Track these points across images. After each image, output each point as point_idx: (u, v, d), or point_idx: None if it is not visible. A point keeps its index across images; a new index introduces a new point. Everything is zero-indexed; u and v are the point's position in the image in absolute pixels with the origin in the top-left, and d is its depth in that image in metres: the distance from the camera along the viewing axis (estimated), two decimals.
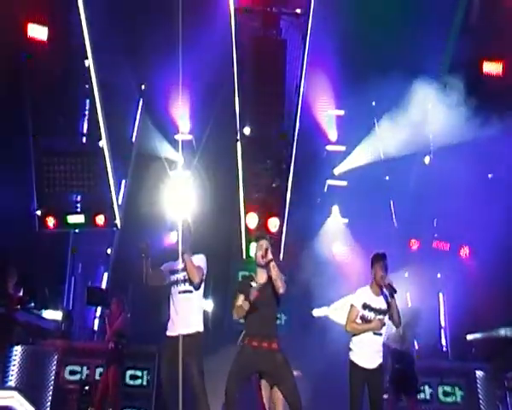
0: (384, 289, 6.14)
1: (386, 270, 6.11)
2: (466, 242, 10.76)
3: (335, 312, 10.49)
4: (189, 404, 5.91)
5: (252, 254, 10.10)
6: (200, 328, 6.11)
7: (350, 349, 6.23)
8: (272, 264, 5.73)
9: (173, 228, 10.87)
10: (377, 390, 6.15)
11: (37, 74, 10.10)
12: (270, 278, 5.80)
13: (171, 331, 6.05)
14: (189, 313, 6.07)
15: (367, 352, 6.15)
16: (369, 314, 6.15)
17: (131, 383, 9.25)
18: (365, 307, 6.15)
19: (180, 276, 6.16)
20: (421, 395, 9.33)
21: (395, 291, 6.07)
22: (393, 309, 6.12)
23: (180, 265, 6.17)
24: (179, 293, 6.10)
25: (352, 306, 6.23)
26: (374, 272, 6.13)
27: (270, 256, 5.75)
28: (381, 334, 6.20)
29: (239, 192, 10.29)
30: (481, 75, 10.35)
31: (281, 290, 5.71)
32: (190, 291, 6.11)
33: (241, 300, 5.80)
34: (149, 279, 6.17)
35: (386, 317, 6.20)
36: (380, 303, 6.15)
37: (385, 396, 8.43)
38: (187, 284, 6.11)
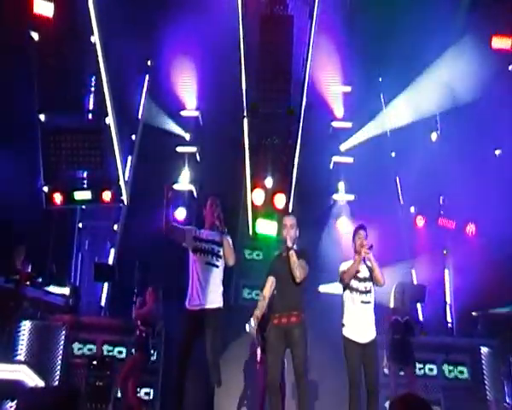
0: (363, 255, 6.29)
1: (365, 238, 6.34)
2: (472, 219, 10.72)
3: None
4: (201, 379, 6.01)
5: (258, 230, 10.16)
6: (221, 304, 6.20)
7: (342, 325, 6.35)
8: (291, 252, 5.91)
9: (180, 204, 11.15)
10: (371, 364, 6.25)
11: (43, 51, 10.07)
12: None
13: (195, 305, 6.09)
14: (213, 285, 6.14)
15: (359, 325, 6.28)
16: (355, 283, 6.32)
17: None
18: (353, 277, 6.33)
19: (208, 246, 6.21)
20: (426, 372, 9.44)
21: (371, 246, 6.25)
22: (375, 269, 6.27)
23: (210, 235, 6.24)
24: (206, 264, 6.17)
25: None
26: (355, 243, 6.36)
27: (289, 244, 5.98)
28: (369, 302, 6.35)
29: (245, 168, 10.30)
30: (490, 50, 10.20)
31: (297, 280, 5.98)
32: (217, 266, 6.20)
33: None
34: (170, 230, 6.24)
35: (370, 283, 6.36)
36: (363, 272, 6.36)
37: (386, 371, 8.62)
38: (215, 257, 6.19)
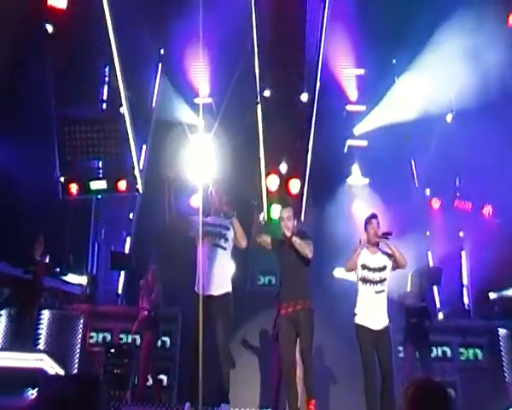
0: (380, 243, 6.38)
1: (378, 227, 6.41)
2: (489, 200, 10.62)
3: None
4: (213, 363, 6.08)
5: (273, 216, 10.16)
6: (230, 288, 6.26)
7: (355, 314, 6.38)
8: (294, 239, 6.02)
9: (195, 192, 11.19)
10: (385, 349, 6.30)
11: (57, 43, 10.10)
12: (293, 246, 6.03)
13: (204, 290, 6.14)
14: (221, 268, 6.20)
15: (372, 314, 6.31)
16: (369, 274, 6.35)
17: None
18: (364, 267, 6.36)
19: (215, 230, 6.28)
20: (443, 354, 9.43)
21: (391, 233, 6.31)
22: (395, 253, 6.30)
23: (217, 220, 6.30)
24: (213, 245, 6.22)
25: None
26: (367, 233, 6.39)
27: (288, 233, 6.13)
28: (383, 291, 6.37)
29: (259, 154, 10.29)
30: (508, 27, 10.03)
31: (309, 256, 6.22)
32: (225, 248, 6.25)
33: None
34: (173, 217, 6.31)
35: (387, 272, 6.38)
36: (377, 262, 6.38)
37: (401, 354, 8.65)
38: (222, 239, 6.26)
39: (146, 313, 8.58)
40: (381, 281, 6.35)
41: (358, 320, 6.34)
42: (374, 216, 6.51)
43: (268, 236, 6.55)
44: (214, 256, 6.26)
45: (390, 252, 6.35)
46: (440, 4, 10.26)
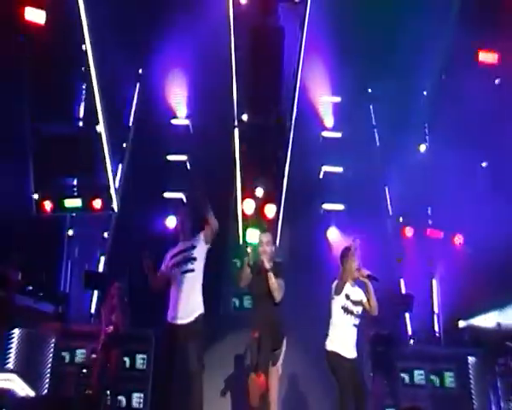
0: (361, 279, 6.42)
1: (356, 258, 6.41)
2: (460, 230, 10.85)
3: None
4: (185, 390, 6.05)
5: (248, 240, 10.21)
6: (202, 309, 6.24)
7: (330, 340, 6.40)
8: (270, 274, 6.07)
9: (171, 212, 11.18)
10: (359, 376, 6.39)
11: (34, 58, 10.05)
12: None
13: (175, 319, 6.14)
14: (192, 293, 6.19)
15: (347, 343, 6.36)
16: (350, 305, 6.40)
17: (128, 366, 9.28)
18: (347, 297, 6.41)
19: (181, 257, 6.29)
20: (414, 380, 9.52)
21: (377, 280, 6.31)
22: (371, 299, 6.40)
23: (182, 246, 6.31)
24: (181, 273, 6.22)
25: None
26: (348, 267, 6.30)
27: (267, 266, 6.22)
28: (358, 325, 6.48)
29: (236, 178, 10.36)
30: (477, 64, 10.35)
31: (276, 300, 6.27)
32: (193, 269, 6.23)
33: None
34: (155, 285, 6.41)
35: (361, 307, 6.47)
36: (357, 295, 6.46)
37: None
38: (189, 263, 6.26)
39: (111, 329, 8.45)
40: (359, 315, 6.44)
41: (332, 347, 6.37)
42: (350, 249, 6.43)
43: (248, 274, 6.45)
44: (184, 284, 6.26)
45: (366, 295, 6.42)
46: (415, 38, 10.50)
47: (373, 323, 8.51)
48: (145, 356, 9.25)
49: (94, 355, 8.78)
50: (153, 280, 6.40)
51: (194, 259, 6.30)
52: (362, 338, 8.31)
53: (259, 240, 6.48)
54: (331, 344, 6.38)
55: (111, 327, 8.48)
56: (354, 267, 6.36)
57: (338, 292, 6.34)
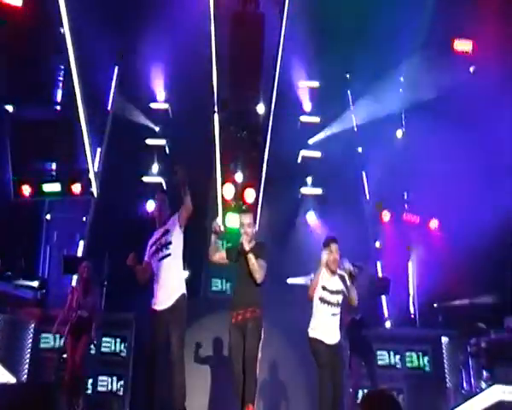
0: (340, 272, 6.53)
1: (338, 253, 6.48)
2: (435, 215, 11.07)
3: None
4: (167, 372, 6.13)
5: (228, 224, 10.31)
6: (183, 290, 6.27)
7: (311, 328, 6.52)
8: (249, 256, 6.04)
9: (150, 197, 11.20)
10: (337, 363, 6.46)
11: (11, 41, 9.92)
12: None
13: (156, 305, 6.21)
14: (171, 276, 6.22)
15: (326, 331, 6.48)
16: (327, 295, 6.49)
17: (108, 351, 9.31)
18: (324, 288, 6.50)
19: (157, 244, 6.32)
20: (390, 361, 9.75)
21: (362, 268, 6.43)
22: (352, 292, 6.52)
23: (158, 234, 6.35)
24: (159, 260, 6.25)
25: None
26: (323, 257, 6.41)
27: (246, 247, 6.11)
28: (338, 314, 6.56)
29: (216, 163, 10.43)
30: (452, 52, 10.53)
31: (258, 281, 6.16)
32: (169, 254, 6.25)
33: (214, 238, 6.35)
34: (140, 278, 6.40)
35: (341, 296, 6.56)
36: (335, 285, 6.54)
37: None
38: (164, 248, 6.26)
39: (83, 314, 8.03)
40: (338, 304, 6.53)
41: (314, 335, 6.48)
42: (333, 240, 6.54)
43: (221, 251, 6.49)
44: (161, 269, 6.24)
45: (347, 283, 6.53)
46: (393, 24, 10.59)
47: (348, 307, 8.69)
48: (125, 341, 9.28)
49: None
50: (138, 273, 6.41)
51: (170, 243, 6.27)
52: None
53: (240, 222, 6.35)
54: (312, 332, 6.51)
55: (79, 312, 8.05)
56: (330, 260, 6.45)
57: (313, 286, 6.48)
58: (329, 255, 6.44)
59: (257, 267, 6.12)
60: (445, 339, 9.93)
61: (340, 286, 6.54)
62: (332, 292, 6.50)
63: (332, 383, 6.35)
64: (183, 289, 6.28)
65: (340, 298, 6.53)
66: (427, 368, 9.79)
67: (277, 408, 9.23)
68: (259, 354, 6.13)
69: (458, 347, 9.73)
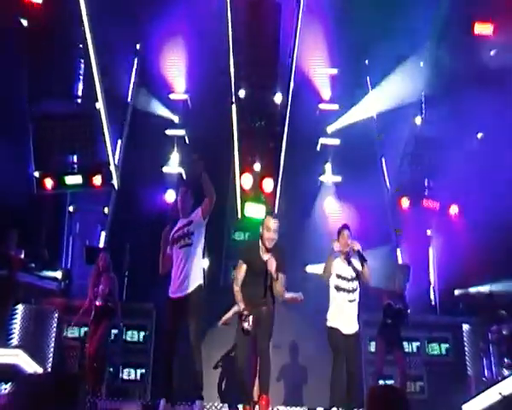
0: (352, 255, 6.63)
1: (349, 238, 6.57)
2: (455, 200, 10.97)
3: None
4: (186, 360, 6.24)
5: (246, 213, 10.36)
6: (201, 280, 6.37)
7: (329, 318, 6.64)
8: (273, 271, 6.06)
9: (170, 187, 11.31)
10: (353, 353, 6.56)
11: (32, 38, 10.10)
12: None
13: (172, 293, 6.31)
14: (189, 267, 6.31)
15: (344, 319, 6.57)
16: (343, 283, 6.61)
17: (130, 339, 9.48)
18: (338, 276, 6.62)
19: (180, 233, 6.42)
20: (410, 348, 9.75)
21: (365, 260, 6.53)
22: (366, 274, 6.59)
23: (181, 224, 6.45)
24: (180, 248, 6.36)
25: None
26: (340, 243, 6.56)
27: (274, 273, 6.06)
28: (355, 300, 6.65)
29: (234, 153, 10.47)
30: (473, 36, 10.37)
31: (278, 294, 6.22)
32: (191, 243, 6.35)
33: (241, 276, 6.29)
34: (163, 268, 6.49)
35: (356, 282, 6.65)
36: (349, 272, 6.64)
37: (372, 349, 8.96)
38: (186, 238, 6.37)
39: (100, 303, 8.35)
40: (354, 290, 6.62)
41: (331, 324, 6.58)
42: (345, 227, 6.69)
43: (242, 272, 6.37)
44: (181, 258, 6.33)
45: (359, 267, 6.60)
46: (412, 8, 10.49)
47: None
48: (146, 330, 9.43)
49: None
50: (161, 264, 6.50)
51: (192, 233, 6.38)
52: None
53: (267, 225, 6.23)
54: (329, 321, 6.61)
55: (100, 300, 8.38)
56: (342, 244, 6.54)
57: (326, 274, 6.56)
58: (341, 240, 6.56)
59: (279, 285, 6.17)
60: (465, 326, 9.89)
61: (353, 273, 6.62)
62: (347, 279, 6.61)
63: (347, 372, 6.42)
64: (201, 280, 6.36)
65: (355, 284, 6.62)
66: (448, 355, 9.77)
67: (292, 395, 9.29)
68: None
69: (479, 334, 9.70)
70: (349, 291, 6.61)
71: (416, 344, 9.80)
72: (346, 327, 6.55)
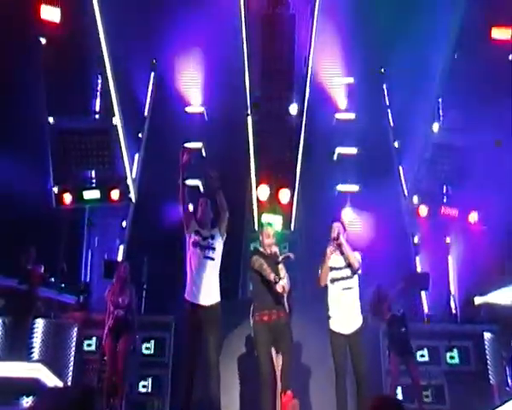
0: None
1: (338, 232, 6.72)
2: (475, 208, 10.85)
3: None
4: (204, 376, 6.25)
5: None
6: (219, 298, 6.48)
7: (329, 317, 6.62)
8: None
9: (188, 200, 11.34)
10: (359, 354, 6.49)
11: (50, 55, 10.28)
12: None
13: (195, 299, 6.35)
14: (209, 279, 6.40)
15: (344, 314, 6.54)
16: (335, 273, 6.65)
17: (148, 352, 9.44)
18: (331, 269, 6.66)
19: (206, 242, 6.49)
20: (430, 358, 9.62)
21: (340, 245, 6.62)
22: (347, 254, 6.61)
23: (207, 232, 6.51)
24: (204, 258, 6.43)
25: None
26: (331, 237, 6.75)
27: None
28: (351, 287, 6.63)
29: (250, 164, 10.49)
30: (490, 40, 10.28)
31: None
32: (213, 259, 6.45)
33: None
34: (183, 197, 6.74)
35: (349, 270, 6.64)
36: (339, 262, 6.69)
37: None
38: (210, 251, 6.46)
39: (120, 314, 8.12)
40: (348, 277, 6.60)
41: (332, 325, 6.57)
42: (334, 221, 6.91)
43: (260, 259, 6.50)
44: (204, 268, 6.44)
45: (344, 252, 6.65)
46: (427, 16, 10.47)
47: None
48: (165, 342, 9.43)
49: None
50: (183, 183, 6.77)
51: (214, 249, 6.51)
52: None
53: (266, 233, 6.66)
54: (331, 322, 6.59)
55: (120, 311, 8.15)
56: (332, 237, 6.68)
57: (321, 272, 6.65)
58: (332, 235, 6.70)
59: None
60: (487, 335, 9.73)
61: (343, 262, 6.66)
62: (339, 268, 6.64)
63: (356, 374, 6.43)
64: (219, 298, 6.50)
65: (348, 272, 6.62)
66: (469, 365, 9.62)
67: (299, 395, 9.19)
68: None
69: (502, 343, 9.54)
70: (343, 278, 6.60)
71: (436, 353, 9.67)
72: (348, 325, 6.51)
